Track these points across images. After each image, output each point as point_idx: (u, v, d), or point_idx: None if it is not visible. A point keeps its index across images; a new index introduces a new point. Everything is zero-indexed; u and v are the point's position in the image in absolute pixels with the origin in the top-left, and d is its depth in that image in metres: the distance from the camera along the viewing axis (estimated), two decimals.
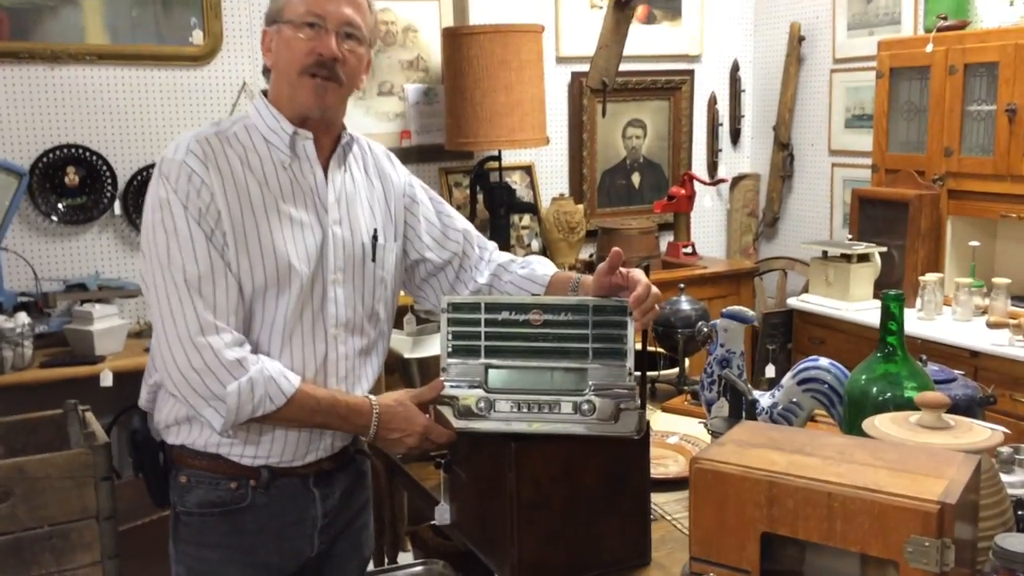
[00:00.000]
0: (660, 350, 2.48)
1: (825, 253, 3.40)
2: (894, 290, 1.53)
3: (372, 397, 1.51)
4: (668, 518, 1.68)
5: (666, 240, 4.09)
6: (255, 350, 1.44)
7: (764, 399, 1.68)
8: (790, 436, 1.21)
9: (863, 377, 1.53)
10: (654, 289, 1.42)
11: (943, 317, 3.08)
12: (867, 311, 3.18)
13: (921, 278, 3.12)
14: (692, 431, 2.05)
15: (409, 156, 3.69)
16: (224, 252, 1.41)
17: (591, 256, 4.00)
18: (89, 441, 1.64)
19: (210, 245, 1.39)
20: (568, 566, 1.43)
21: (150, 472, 1.50)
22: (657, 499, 1.73)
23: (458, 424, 1.41)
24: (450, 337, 1.42)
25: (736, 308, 1.74)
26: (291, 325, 1.45)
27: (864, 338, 3.14)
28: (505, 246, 3.59)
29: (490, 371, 1.42)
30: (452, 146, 3.55)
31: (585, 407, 1.38)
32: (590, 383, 1.39)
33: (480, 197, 3.61)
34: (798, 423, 1.68)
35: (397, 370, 2.63)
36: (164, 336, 1.39)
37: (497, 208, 3.56)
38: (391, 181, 1.64)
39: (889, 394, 1.50)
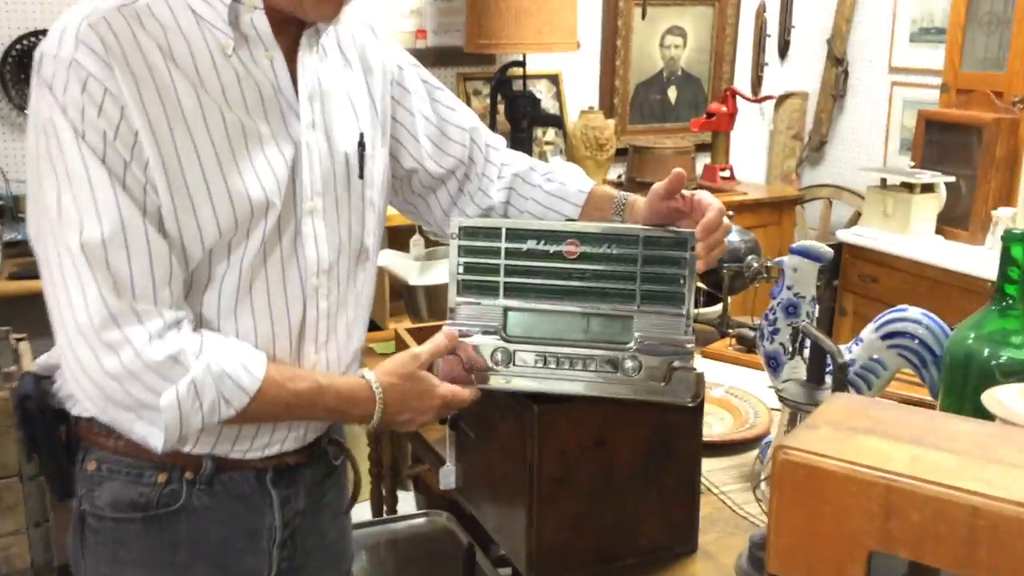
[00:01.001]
0: (700, 284, 2.18)
1: (884, 181, 3.06)
2: (1019, 229, 1.22)
3: (369, 375, 1.12)
4: (715, 491, 1.41)
5: (702, 162, 3.76)
6: (198, 323, 1.05)
7: None
8: (902, 418, 0.92)
9: (971, 334, 1.24)
10: (726, 218, 1.11)
11: None
12: (928, 248, 2.86)
13: (994, 213, 2.79)
14: (739, 382, 1.77)
15: (424, 59, 3.32)
16: (148, 197, 0.98)
17: (620, 177, 3.67)
18: (10, 382, 1.35)
19: (120, 190, 0.96)
20: (597, 553, 1.17)
21: (47, 454, 1.10)
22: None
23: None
24: (461, 270, 1.13)
25: (809, 243, 1.44)
26: (251, 280, 1.05)
27: (924, 278, 2.83)
28: None
29: (510, 315, 1.13)
30: (472, 48, 3.20)
31: (629, 365, 1.09)
32: (636, 335, 1.10)
33: (501, 107, 3.28)
34: (879, 386, 1.39)
35: (403, 297, 2.36)
36: (63, 327, 0.98)
37: (520, 120, 3.23)
38: (373, 61, 1.21)
39: (1004, 357, 1.20)
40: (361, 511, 2.53)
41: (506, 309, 1.12)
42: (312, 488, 1.21)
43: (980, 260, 2.72)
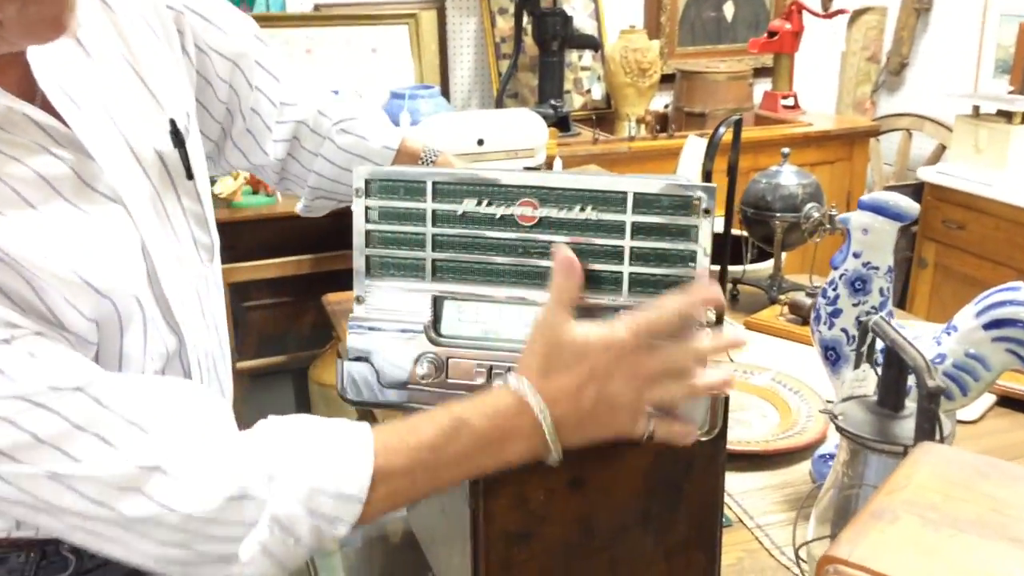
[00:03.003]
0: (740, 232, 1.80)
1: (976, 109, 2.60)
2: None
3: (517, 383, 0.69)
4: (748, 524, 1.07)
5: (762, 88, 3.31)
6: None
7: (920, 345, 1.02)
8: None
9: None
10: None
11: None
12: None
13: None
14: (790, 364, 1.41)
15: None
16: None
17: (666, 107, 3.26)
18: None
19: None
20: None
21: None
22: (729, 485, 1.12)
23: (387, 396, 0.80)
24: (372, 242, 0.79)
25: (883, 196, 1.05)
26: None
27: (1021, 225, 2.39)
28: (558, 92, 2.88)
29: (444, 306, 0.79)
30: None
31: None
32: None
33: (528, 28, 2.88)
34: (977, 390, 1.02)
35: None
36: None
37: (549, 42, 2.83)
38: None
39: None
40: None
41: (436, 298, 0.78)
42: None
43: None
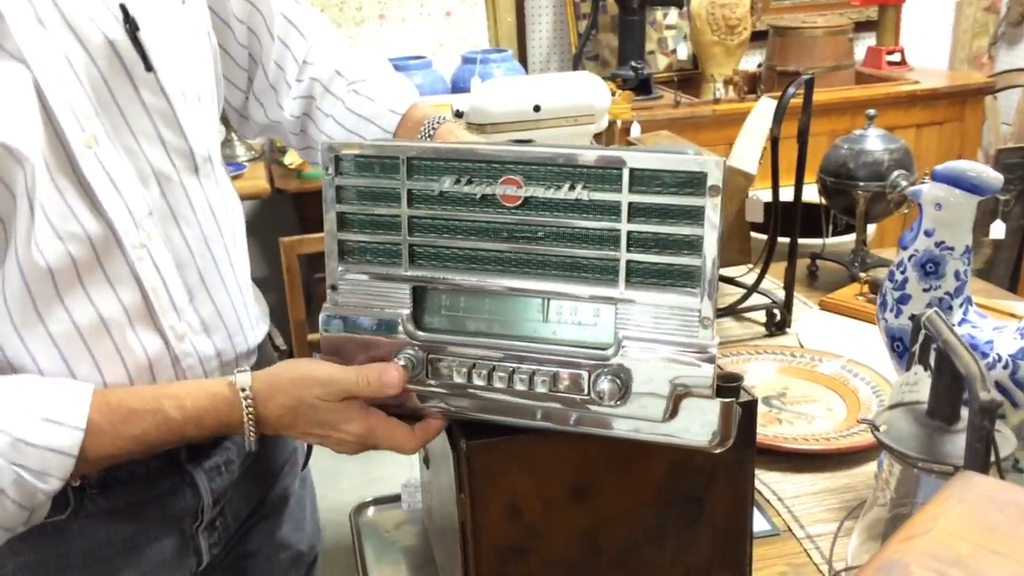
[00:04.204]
0: (815, 200, 1.63)
1: None
2: None
3: (240, 378, 0.74)
4: (798, 533, 0.96)
5: (865, 44, 3.07)
6: None
7: (1002, 338, 0.88)
8: None
9: None
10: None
11: None
12: None
13: None
14: (866, 351, 1.27)
15: None
16: None
17: (759, 67, 3.06)
18: None
19: None
20: None
21: None
22: (777, 483, 1.02)
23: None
24: (343, 224, 0.71)
25: (961, 165, 0.91)
26: (46, 266, 0.71)
27: None
28: (639, 53, 2.74)
29: (425, 296, 0.71)
30: None
31: (605, 386, 0.65)
32: (620, 335, 0.65)
33: None
34: None
35: None
36: None
37: (629, 0, 2.69)
38: None
39: None
40: None
41: (416, 287, 0.70)
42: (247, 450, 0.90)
43: None
